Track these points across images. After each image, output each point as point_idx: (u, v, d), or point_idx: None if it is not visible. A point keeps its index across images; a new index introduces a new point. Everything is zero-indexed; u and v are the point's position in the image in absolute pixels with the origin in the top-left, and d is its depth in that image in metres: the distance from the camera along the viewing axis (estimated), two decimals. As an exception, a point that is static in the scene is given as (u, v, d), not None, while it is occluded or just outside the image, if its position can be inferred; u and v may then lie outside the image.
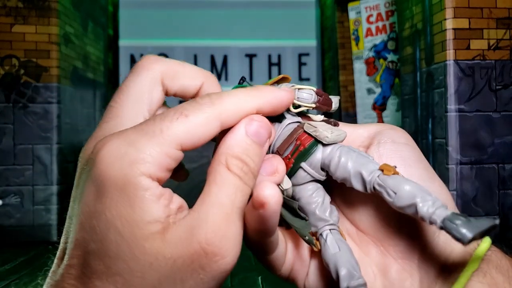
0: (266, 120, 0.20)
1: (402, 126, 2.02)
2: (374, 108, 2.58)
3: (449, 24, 1.61)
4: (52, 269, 0.20)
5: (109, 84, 2.91)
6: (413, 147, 0.23)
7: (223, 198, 0.18)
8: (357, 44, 2.69)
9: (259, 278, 1.33)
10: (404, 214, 0.20)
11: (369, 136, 0.24)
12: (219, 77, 3.48)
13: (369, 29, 2.61)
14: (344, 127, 0.24)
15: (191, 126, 0.18)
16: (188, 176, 0.26)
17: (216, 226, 0.17)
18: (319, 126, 0.21)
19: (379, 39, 2.58)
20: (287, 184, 0.22)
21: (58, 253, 0.20)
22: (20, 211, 1.88)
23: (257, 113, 0.20)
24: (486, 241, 0.20)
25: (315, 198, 0.22)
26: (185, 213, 0.19)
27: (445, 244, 0.21)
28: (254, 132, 0.19)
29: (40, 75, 1.93)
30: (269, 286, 1.33)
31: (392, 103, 2.52)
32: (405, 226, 0.22)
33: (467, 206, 1.63)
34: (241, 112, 0.19)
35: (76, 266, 0.19)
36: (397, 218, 0.22)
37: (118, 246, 0.17)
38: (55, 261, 0.20)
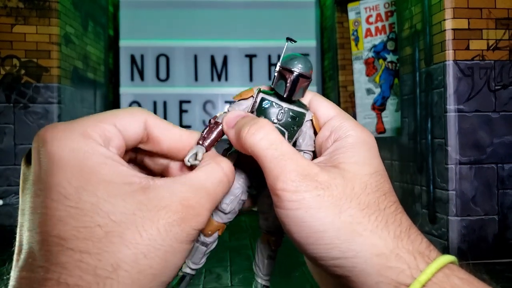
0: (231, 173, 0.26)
1: (402, 126, 2.03)
2: (373, 108, 2.58)
3: (449, 24, 1.61)
4: (13, 264, 0.21)
5: (109, 84, 2.91)
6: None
7: (207, 183, 0.23)
8: (356, 45, 2.69)
9: (259, 277, 1.33)
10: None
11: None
12: (219, 77, 3.49)
13: (368, 30, 2.61)
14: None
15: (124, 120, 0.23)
16: None
17: (194, 193, 0.22)
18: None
19: (378, 39, 2.58)
20: None
21: (16, 249, 0.21)
22: (21, 211, 1.88)
23: None
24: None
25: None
26: (161, 180, 0.22)
27: None
28: (228, 172, 0.25)
29: (40, 75, 1.92)
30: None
31: (391, 103, 2.52)
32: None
33: (466, 206, 1.64)
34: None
35: (37, 246, 0.19)
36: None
37: (94, 205, 0.19)
38: (14, 257, 0.21)
